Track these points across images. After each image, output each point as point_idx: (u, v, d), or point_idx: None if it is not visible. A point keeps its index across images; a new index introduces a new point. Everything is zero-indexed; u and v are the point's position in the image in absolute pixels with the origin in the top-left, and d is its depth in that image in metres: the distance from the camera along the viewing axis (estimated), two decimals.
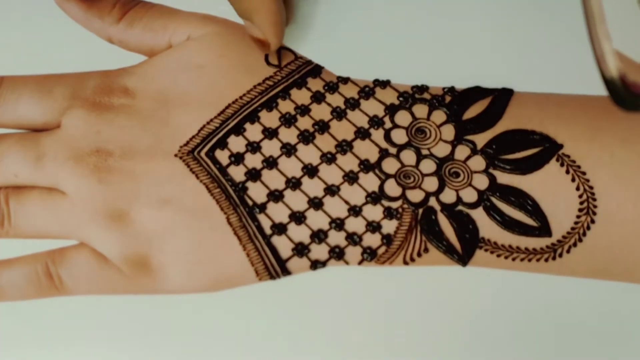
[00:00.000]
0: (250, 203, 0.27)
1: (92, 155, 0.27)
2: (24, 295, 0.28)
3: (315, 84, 0.29)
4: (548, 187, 0.27)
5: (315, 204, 0.27)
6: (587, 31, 0.16)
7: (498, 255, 0.27)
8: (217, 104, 0.29)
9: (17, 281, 0.28)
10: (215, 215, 0.27)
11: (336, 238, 0.27)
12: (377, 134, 0.28)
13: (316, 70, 0.30)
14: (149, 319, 0.28)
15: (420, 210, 0.27)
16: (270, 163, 0.28)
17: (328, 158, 0.28)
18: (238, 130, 0.28)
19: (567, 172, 0.26)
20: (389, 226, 0.27)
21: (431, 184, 0.27)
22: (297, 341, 0.28)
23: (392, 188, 0.27)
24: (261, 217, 0.27)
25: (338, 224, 0.27)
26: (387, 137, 0.28)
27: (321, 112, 0.29)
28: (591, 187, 0.26)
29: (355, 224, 0.27)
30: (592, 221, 0.26)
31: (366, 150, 0.28)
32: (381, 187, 0.27)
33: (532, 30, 0.33)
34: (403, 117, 0.28)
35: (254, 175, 0.27)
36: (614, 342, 0.28)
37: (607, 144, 0.27)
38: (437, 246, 0.27)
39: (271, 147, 0.28)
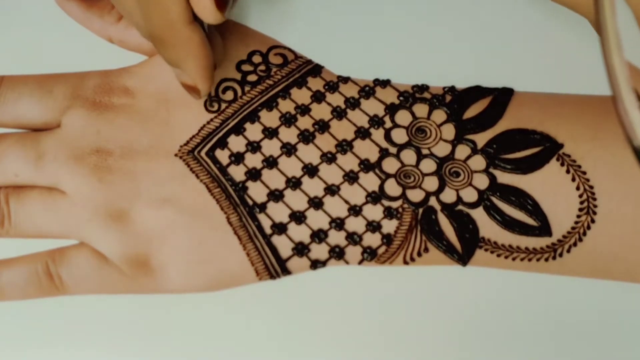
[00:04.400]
0: (251, 203, 0.27)
1: (92, 154, 0.27)
2: (24, 295, 0.28)
3: (316, 84, 0.29)
4: (548, 186, 0.27)
5: (316, 203, 0.27)
6: (612, 99, 0.16)
7: (498, 255, 0.27)
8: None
9: (18, 281, 0.27)
10: (216, 215, 0.27)
11: (336, 238, 0.27)
12: (378, 134, 0.28)
13: (316, 70, 0.30)
14: (149, 319, 0.28)
15: (421, 210, 0.27)
16: (271, 163, 0.28)
17: (328, 158, 0.28)
18: (238, 129, 0.28)
19: (568, 171, 0.26)
20: (389, 226, 0.27)
21: (431, 183, 0.27)
22: (297, 341, 0.28)
23: (392, 188, 0.27)
24: (261, 217, 0.27)
25: (338, 223, 0.27)
26: (388, 136, 0.28)
27: (321, 111, 0.29)
28: (591, 187, 0.26)
29: (355, 224, 0.27)
30: (592, 221, 0.26)
31: (366, 149, 0.28)
32: (381, 186, 0.27)
33: (532, 30, 0.33)
34: (403, 117, 0.28)
35: (254, 174, 0.28)
36: (614, 342, 0.28)
37: (608, 144, 0.27)
38: (437, 246, 0.27)
39: (271, 147, 0.28)
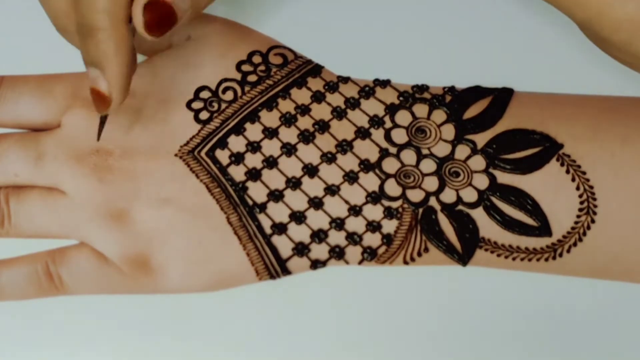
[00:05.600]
0: (251, 203, 0.27)
1: (92, 154, 0.27)
2: (24, 295, 0.28)
3: (316, 84, 0.29)
4: (548, 186, 0.27)
5: (316, 203, 0.27)
6: None
7: (498, 255, 0.27)
8: None
9: (18, 281, 0.27)
10: (215, 215, 0.27)
11: (336, 238, 0.27)
12: (378, 134, 0.28)
13: (316, 70, 0.30)
14: (149, 319, 0.28)
15: (421, 210, 0.27)
16: (271, 163, 0.28)
17: (328, 158, 0.28)
18: (238, 130, 0.28)
19: (568, 171, 0.26)
20: (389, 226, 0.27)
21: (431, 183, 0.27)
22: (297, 340, 0.28)
23: (392, 188, 0.27)
24: (261, 217, 0.27)
25: (338, 223, 0.27)
26: (388, 136, 0.28)
27: (321, 111, 0.29)
28: (591, 187, 0.26)
29: (355, 224, 0.27)
30: (592, 221, 0.26)
31: (366, 149, 0.28)
32: (381, 186, 0.27)
33: (533, 31, 0.33)
34: (403, 117, 0.28)
35: (254, 175, 0.27)
36: (614, 342, 0.28)
37: (608, 144, 0.27)
38: (437, 246, 0.27)
39: (271, 147, 0.28)
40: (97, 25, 0.23)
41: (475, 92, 0.29)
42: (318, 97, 0.29)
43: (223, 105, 0.29)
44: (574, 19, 0.23)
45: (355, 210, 0.27)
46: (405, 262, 0.27)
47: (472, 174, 0.27)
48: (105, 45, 0.23)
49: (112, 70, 0.23)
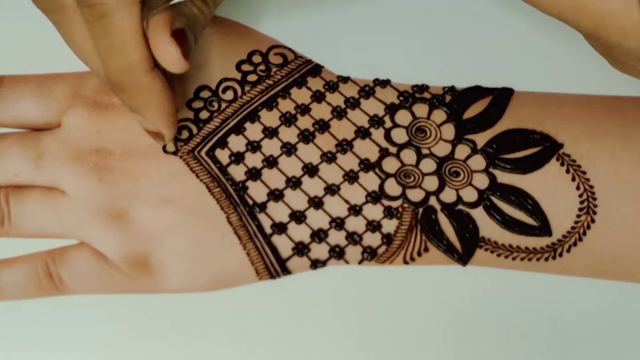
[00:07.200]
0: (251, 202, 0.27)
1: (92, 154, 0.27)
2: (24, 295, 0.28)
3: (316, 83, 0.29)
4: (548, 186, 0.27)
5: (316, 203, 0.27)
6: None
7: (498, 255, 0.27)
8: None
9: (18, 280, 0.28)
10: (216, 215, 0.27)
11: (336, 237, 0.27)
12: (378, 133, 0.28)
13: (316, 70, 0.30)
14: (149, 319, 0.28)
15: (421, 210, 0.27)
16: (271, 162, 0.28)
17: (328, 157, 0.28)
18: (238, 129, 0.28)
19: (568, 171, 0.27)
20: (389, 225, 0.27)
21: (431, 183, 0.27)
22: (297, 341, 0.28)
23: (392, 187, 0.27)
24: (261, 217, 0.27)
25: (338, 223, 0.27)
26: (388, 136, 0.28)
27: (321, 111, 0.29)
28: (591, 187, 0.26)
29: (355, 224, 0.27)
30: (592, 220, 0.26)
31: (366, 149, 0.28)
32: (381, 186, 0.27)
33: (532, 31, 0.33)
34: (403, 117, 0.28)
35: (254, 174, 0.28)
36: (614, 342, 0.28)
37: (608, 144, 0.27)
38: (437, 245, 0.27)
39: (271, 147, 0.28)
40: (125, 84, 0.23)
41: (475, 92, 0.29)
42: (318, 97, 0.29)
43: (223, 105, 0.29)
44: (580, 29, 0.23)
45: (355, 210, 0.27)
46: (405, 262, 0.27)
47: (472, 174, 0.27)
48: (137, 98, 0.24)
49: (151, 115, 0.24)
